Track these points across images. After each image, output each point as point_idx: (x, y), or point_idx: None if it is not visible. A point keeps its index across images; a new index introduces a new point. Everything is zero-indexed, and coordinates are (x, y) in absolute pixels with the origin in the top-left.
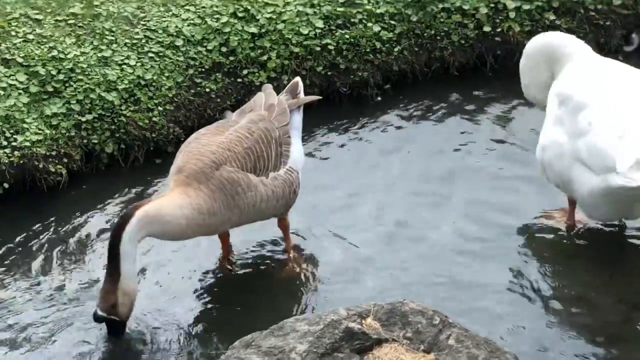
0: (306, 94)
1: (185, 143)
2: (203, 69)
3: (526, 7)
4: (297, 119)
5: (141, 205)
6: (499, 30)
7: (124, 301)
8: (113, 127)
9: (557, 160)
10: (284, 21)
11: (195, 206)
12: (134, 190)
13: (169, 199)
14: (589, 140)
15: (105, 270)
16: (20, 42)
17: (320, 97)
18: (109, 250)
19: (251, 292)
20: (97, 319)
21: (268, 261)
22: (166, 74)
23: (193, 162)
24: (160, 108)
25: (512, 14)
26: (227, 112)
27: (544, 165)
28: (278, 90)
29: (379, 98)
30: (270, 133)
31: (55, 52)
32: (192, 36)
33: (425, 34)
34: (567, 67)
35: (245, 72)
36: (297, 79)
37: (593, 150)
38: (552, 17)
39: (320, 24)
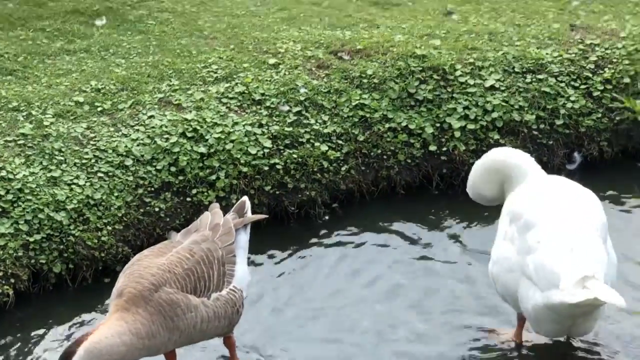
0: (255, 213)
1: (128, 264)
2: (152, 189)
3: (471, 126)
4: (244, 238)
5: (80, 342)
6: (444, 149)
7: None
8: (61, 246)
9: (505, 274)
10: (232, 141)
11: (133, 331)
12: (81, 311)
13: (107, 328)
14: (537, 257)
15: None
16: None
17: (267, 216)
18: None
19: None
20: None
21: None
22: (115, 194)
23: (132, 286)
24: (109, 227)
25: (457, 134)
26: (171, 233)
27: (493, 278)
28: (227, 209)
29: (327, 217)
30: (213, 253)
31: (4, 173)
32: (142, 156)
33: (372, 153)
34: (519, 187)
35: (194, 191)
36: (245, 198)
37: (540, 267)
38: (497, 137)
39: (268, 143)
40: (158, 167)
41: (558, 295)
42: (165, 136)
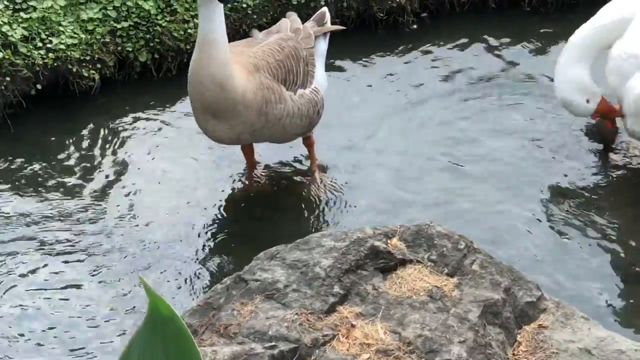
0: (343, 16)
1: None
2: None
3: None
4: (322, 46)
5: None
6: None
7: None
8: (148, 36)
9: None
10: None
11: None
12: (165, 100)
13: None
14: None
15: None
16: None
17: (345, 28)
18: None
19: (276, 209)
20: None
21: (294, 178)
22: None
23: (244, 58)
24: (196, 20)
25: None
26: (254, 31)
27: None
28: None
29: (415, 26)
30: (299, 52)
31: None
32: None
33: None
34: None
35: None
36: (324, 8)
37: None
38: None
39: None
40: None
41: None
42: None
